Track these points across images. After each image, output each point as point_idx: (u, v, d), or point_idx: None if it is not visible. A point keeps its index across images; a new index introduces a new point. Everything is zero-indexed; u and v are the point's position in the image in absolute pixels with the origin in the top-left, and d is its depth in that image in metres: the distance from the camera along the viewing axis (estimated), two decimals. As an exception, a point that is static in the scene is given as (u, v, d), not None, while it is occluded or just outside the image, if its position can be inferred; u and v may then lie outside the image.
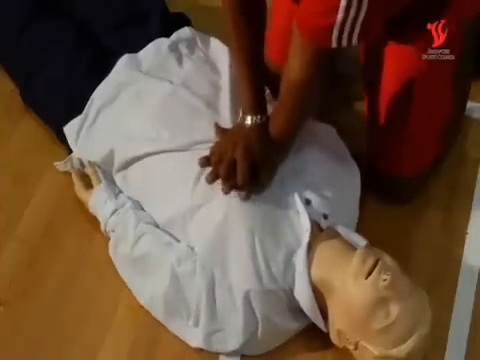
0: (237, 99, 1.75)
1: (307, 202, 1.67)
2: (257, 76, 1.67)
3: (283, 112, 1.65)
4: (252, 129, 1.65)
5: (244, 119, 1.66)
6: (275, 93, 1.69)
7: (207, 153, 1.67)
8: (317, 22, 1.41)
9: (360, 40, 1.41)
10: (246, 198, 1.64)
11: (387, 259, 1.57)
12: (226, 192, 1.63)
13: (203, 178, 1.66)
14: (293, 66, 1.55)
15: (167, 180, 1.71)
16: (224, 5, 1.62)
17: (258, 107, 1.66)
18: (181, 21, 1.97)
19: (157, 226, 1.73)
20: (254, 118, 1.65)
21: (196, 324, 1.65)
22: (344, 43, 1.42)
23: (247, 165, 1.62)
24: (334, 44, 1.42)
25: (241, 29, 1.63)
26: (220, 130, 1.71)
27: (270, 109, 1.71)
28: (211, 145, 1.69)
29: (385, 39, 1.68)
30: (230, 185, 1.63)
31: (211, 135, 1.71)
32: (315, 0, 1.39)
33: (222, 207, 1.64)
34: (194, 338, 1.66)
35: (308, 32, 1.46)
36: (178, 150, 1.72)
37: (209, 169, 1.66)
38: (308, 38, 1.47)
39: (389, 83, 1.76)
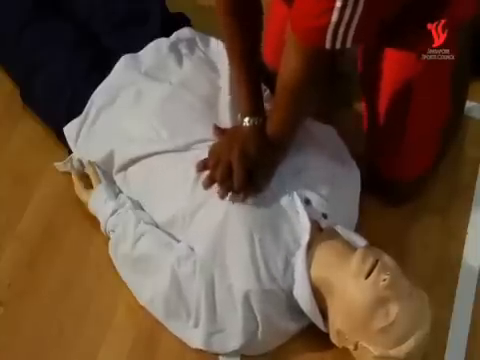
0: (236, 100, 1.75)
1: (307, 202, 1.67)
2: (253, 79, 1.66)
3: (279, 113, 1.64)
4: (249, 131, 1.65)
5: (241, 121, 1.66)
6: (274, 92, 1.69)
7: (206, 153, 1.67)
8: (311, 23, 1.41)
9: (355, 42, 1.41)
10: (243, 201, 1.64)
11: (387, 259, 1.57)
12: (222, 196, 1.64)
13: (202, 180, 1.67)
14: (287, 67, 1.54)
15: (167, 181, 1.71)
16: (218, 9, 1.62)
17: (255, 109, 1.66)
18: (181, 21, 1.97)
19: (157, 226, 1.73)
20: (251, 120, 1.64)
21: (196, 325, 1.65)
22: (338, 45, 1.41)
23: (243, 169, 1.62)
24: (328, 45, 1.41)
25: (236, 33, 1.62)
26: (218, 130, 1.71)
27: (269, 107, 1.72)
28: (210, 144, 1.69)
29: (382, 41, 1.68)
30: (226, 189, 1.64)
31: (210, 135, 1.71)
32: (309, 1, 1.39)
33: (221, 208, 1.64)
34: (194, 339, 1.67)
35: (302, 33, 1.45)
36: (178, 150, 1.72)
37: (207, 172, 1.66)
38: (302, 39, 1.46)
39: (387, 85, 1.76)
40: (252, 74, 1.66)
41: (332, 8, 1.36)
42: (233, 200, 1.64)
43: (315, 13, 1.39)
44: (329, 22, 1.38)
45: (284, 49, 1.55)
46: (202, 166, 1.67)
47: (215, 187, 1.65)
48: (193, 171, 1.68)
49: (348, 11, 1.36)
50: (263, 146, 1.64)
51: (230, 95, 1.77)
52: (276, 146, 1.66)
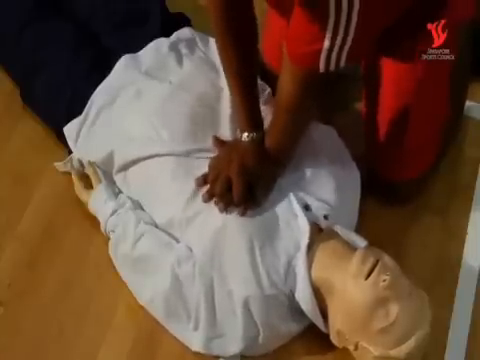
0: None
1: (306, 208, 1.67)
2: (251, 96, 1.66)
3: (277, 129, 1.66)
4: (248, 146, 1.65)
5: (240, 136, 1.66)
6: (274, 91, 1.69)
7: (206, 166, 1.68)
8: (304, 49, 1.42)
9: (349, 62, 1.42)
10: (242, 214, 1.64)
11: (387, 259, 1.57)
12: (222, 210, 1.64)
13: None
14: (284, 87, 1.56)
15: (167, 183, 1.71)
16: (214, 30, 1.61)
17: (254, 124, 1.65)
18: (181, 21, 1.97)
19: (157, 226, 1.73)
20: (250, 135, 1.64)
21: (196, 328, 1.65)
22: (332, 67, 1.43)
23: (242, 183, 1.62)
24: (322, 68, 1.43)
25: (232, 53, 1.61)
26: (218, 143, 1.72)
27: (270, 108, 1.72)
28: (210, 155, 1.69)
29: (382, 45, 1.68)
30: (226, 202, 1.64)
31: (210, 143, 1.72)
32: (302, 26, 1.40)
33: (221, 214, 1.64)
34: (194, 342, 1.66)
35: (296, 58, 1.47)
36: (178, 155, 1.72)
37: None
38: (296, 63, 1.48)
39: (387, 85, 1.76)
40: (250, 92, 1.66)
41: (324, 35, 1.37)
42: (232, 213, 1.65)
43: (307, 39, 1.41)
44: (321, 48, 1.39)
45: (281, 71, 1.56)
46: (202, 181, 1.67)
47: (215, 199, 1.66)
48: (193, 177, 1.68)
49: (339, 37, 1.37)
50: (262, 160, 1.65)
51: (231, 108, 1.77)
52: (275, 160, 1.67)
